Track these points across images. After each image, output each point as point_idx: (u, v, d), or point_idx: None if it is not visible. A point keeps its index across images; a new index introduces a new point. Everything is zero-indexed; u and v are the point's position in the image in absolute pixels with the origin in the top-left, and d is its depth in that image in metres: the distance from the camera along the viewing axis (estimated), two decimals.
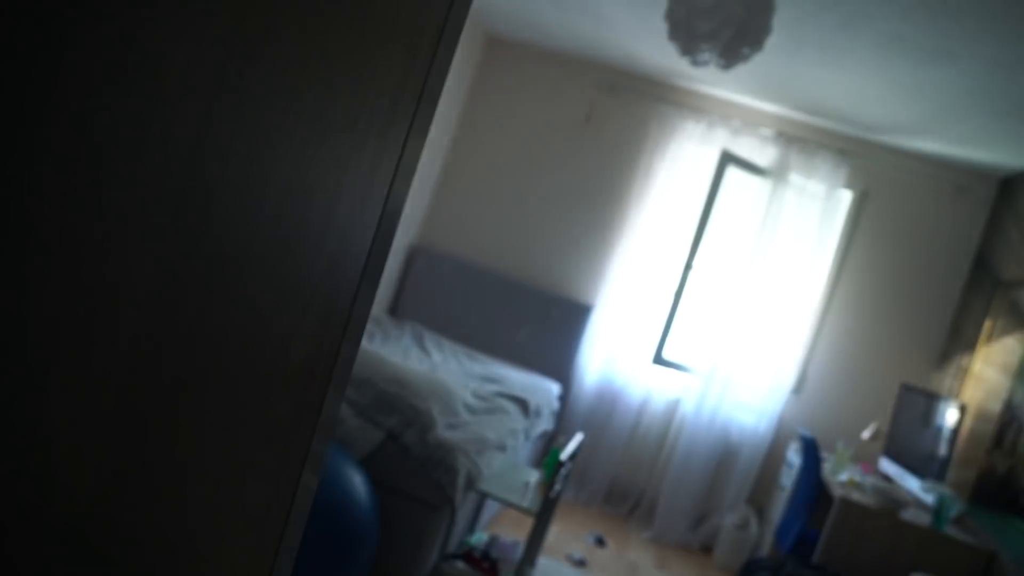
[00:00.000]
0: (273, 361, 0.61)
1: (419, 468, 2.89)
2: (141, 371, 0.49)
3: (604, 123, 5.15)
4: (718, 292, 4.82)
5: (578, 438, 3.39)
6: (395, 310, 5.22)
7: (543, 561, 3.66)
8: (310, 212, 0.58)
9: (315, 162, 0.57)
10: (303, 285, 0.61)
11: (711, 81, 4.72)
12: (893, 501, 3.63)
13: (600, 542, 4.22)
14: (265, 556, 0.67)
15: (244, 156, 0.50)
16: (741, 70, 4.16)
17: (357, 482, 2.60)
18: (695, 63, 2.62)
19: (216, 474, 0.58)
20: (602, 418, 4.86)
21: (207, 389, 0.54)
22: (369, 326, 4.50)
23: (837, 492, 3.66)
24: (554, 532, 4.10)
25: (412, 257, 5.24)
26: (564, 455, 3.05)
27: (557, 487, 3.13)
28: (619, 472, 4.89)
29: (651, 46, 4.38)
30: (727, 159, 4.80)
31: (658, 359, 4.88)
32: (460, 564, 3.10)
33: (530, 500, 3.04)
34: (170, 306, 0.49)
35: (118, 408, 0.48)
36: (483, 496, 3.38)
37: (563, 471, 3.14)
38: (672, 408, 4.90)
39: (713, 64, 2.62)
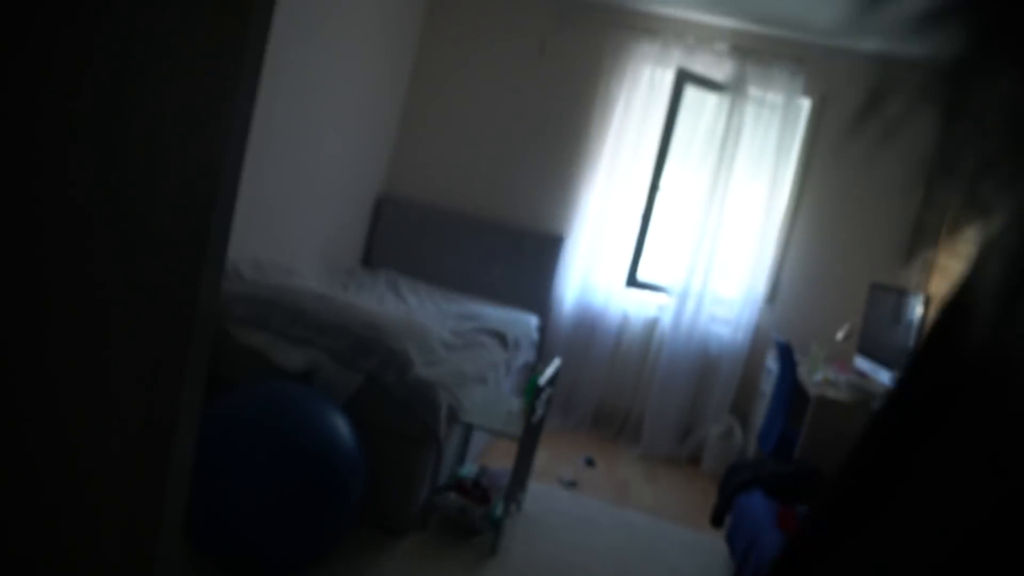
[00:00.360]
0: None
1: (401, 406, 2.96)
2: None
3: (559, 53, 5.11)
4: (686, 210, 4.86)
5: (556, 363, 3.46)
6: (368, 260, 5.24)
7: (534, 486, 3.77)
8: (153, 150, 0.62)
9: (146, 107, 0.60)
10: (148, 221, 0.64)
11: (661, 1, 4.68)
12: (866, 394, 3.75)
13: (590, 463, 4.34)
14: (157, 463, 0.72)
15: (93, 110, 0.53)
16: None
17: (339, 425, 2.67)
18: None
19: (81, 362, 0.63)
20: (583, 344, 4.95)
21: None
22: (343, 277, 4.54)
23: (813, 392, 3.77)
24: (544, 458, 4.21)
25: (380, 206, 5.24)
26: (542, 380, 3.12)
27: (539, 412, 3.21)
28: (604, 395, 5.00)
29: None
30: (684, 77, 4.80)
31: (632, 281, 4.94)
32: (452, 495, 3.20)
33: (513, 426, 3.13)
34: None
35: None
36: (469, 429, 3.47)
37: (544, 396, 3.22)
38: (651, 328, 4.99)
39: None
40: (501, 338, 4.04)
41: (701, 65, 4.84)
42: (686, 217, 4.86)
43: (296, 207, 4.32)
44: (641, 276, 4.96)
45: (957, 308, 0.26)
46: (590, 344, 4.96)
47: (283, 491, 2.40)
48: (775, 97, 4.78)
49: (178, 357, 0.71)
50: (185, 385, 0.71)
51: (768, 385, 4.49)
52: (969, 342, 0.24)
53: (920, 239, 4.63)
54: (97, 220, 0.65)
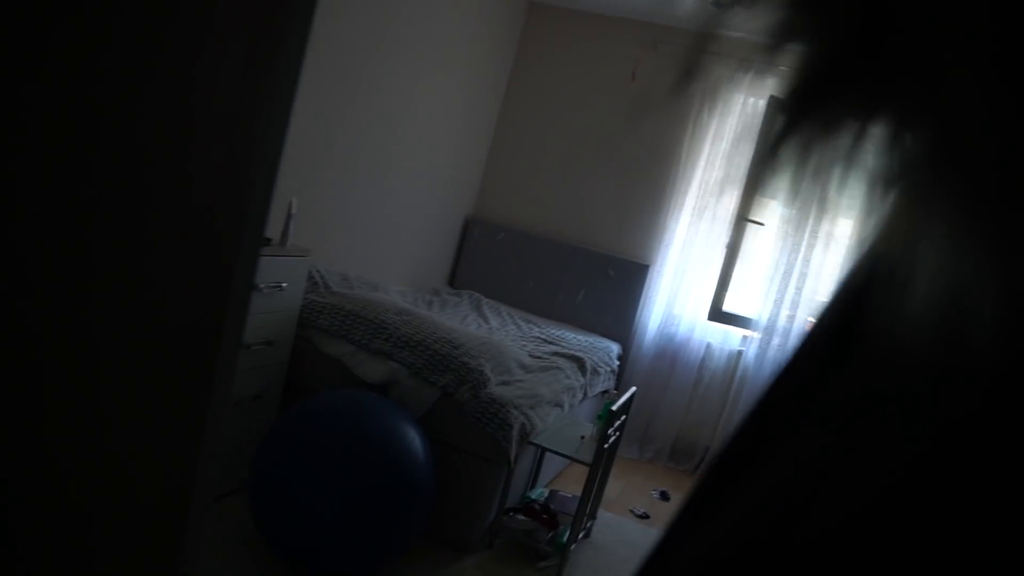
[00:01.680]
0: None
1: (473, 424, 2.98)
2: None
3: (650, 80, 5.10)
4: (775, 242, 4.75)
5: (631, 391, 3.43)
6: (453, 280, 5.33)
7: (605, 515, 3.72)
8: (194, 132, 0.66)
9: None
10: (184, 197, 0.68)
11: (754, 28, 4.62)
12: None
13: (664, 496, 4.26)
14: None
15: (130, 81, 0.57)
16: None
17: (413, 438, 2.71)
18: (719, 4, 2.59)
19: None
20: (663, 375, 4.88)
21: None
22: (427, 295, 4.62)
23: None
24: (617, 489, 4.15)
25: (468, 228, 5.33)
26: (615, 406, 3.09)
27: (611, 438, 3.18)
28: (683, 428, 4.90)
29: None
30: (776, 105, 4.70)
31: (717, 313, 4.85)
32: (520, 516, 3.20)
33: (584, 452, 3.11)
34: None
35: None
36: (541, 452, 3.46)
37: (617, 423, 3.19)
38: (734, 361, 4.87)
39: (737, 1, 2.58)
40: (580, 363, 4.03)
41: None
42: (774, 249, 4.74)
43: (386, 226, 4.44)
44: (727, 307, 4.86)
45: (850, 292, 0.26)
46: (671, 375, 4.88)
47: (354, 497, 2.45)
48: (872, 128, 4.63)
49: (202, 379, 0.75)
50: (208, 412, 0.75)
51: None
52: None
53: None
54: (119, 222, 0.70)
